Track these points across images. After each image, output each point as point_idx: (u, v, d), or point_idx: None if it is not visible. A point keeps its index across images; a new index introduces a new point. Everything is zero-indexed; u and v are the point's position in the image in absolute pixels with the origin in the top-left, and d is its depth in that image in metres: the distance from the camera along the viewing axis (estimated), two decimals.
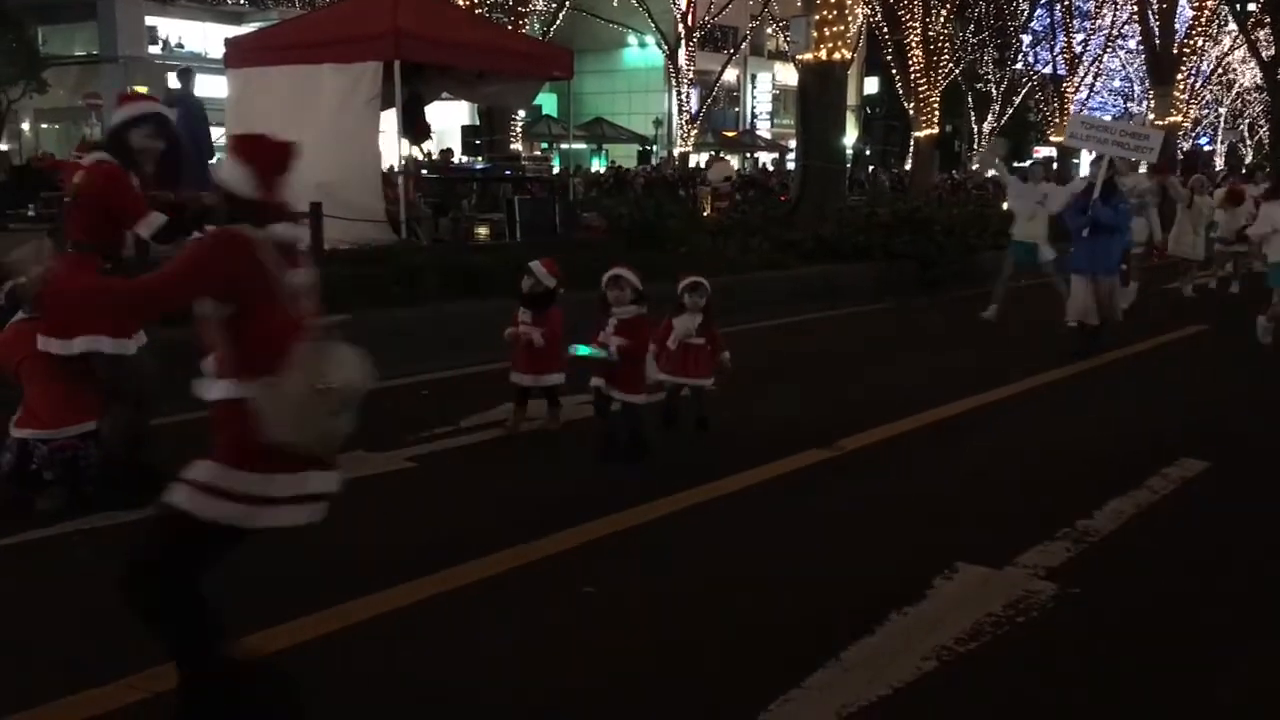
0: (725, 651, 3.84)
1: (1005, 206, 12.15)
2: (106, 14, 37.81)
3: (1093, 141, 10.16)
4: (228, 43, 14.86)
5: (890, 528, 5.22)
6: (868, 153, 52.78)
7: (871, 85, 54.88)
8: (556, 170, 20.70)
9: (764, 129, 52.91)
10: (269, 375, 2.78)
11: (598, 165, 40.59)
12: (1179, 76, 33.43)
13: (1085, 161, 44.39)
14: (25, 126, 41.00)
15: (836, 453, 6.47)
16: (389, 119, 13.25)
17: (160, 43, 39.55)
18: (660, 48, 41.40)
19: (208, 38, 37.55)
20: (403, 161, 13.44)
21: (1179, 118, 34.23)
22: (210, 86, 23.95)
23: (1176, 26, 32.75)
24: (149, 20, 38.76)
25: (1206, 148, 59.35)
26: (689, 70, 41.14)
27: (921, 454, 6.66)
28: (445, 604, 4.12)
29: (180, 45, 39.87)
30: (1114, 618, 4.21)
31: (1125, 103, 57.19)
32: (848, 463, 6.35)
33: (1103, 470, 6.22)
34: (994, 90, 46.56)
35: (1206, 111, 56.86)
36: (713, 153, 40.84)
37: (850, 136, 20.66)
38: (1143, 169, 14.84)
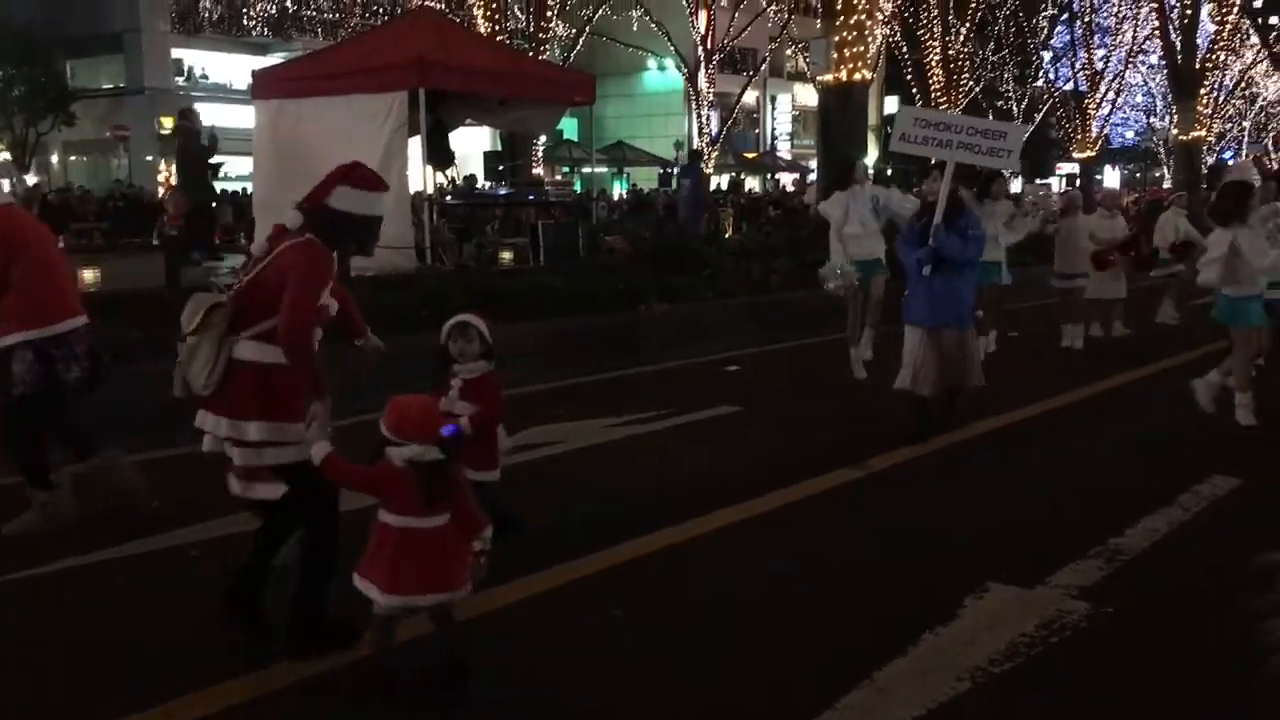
0: (758, 672, 3.84)
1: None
2: (133, 47, 38.37)
3: (931, 144, 7.65)
4: (255, 74, 15.08)
5: (919, 548, 5.20)
6: (889, 173, 52.71)
7: (892, 105, 54.78)
8: (580, 191, 20.82)
9: (784, 150, 52.98)
10: None
11: (619, 189, 40.74)
12: (1202, 91, 33.28)
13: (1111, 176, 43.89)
14: (54, 159, 41.59)
15: (864, 473, 6.47)
16: (413, 146, 13.39)
17: (185, 74, 40.07)
18: (680, 70, 41.58)
19: (232, 69, 38.05)
20: (425, 189, 13.57)
21: (1203, 132, 34.04)
22: (234, 117, 24.34)
23: (1198, 41, 32.67)
24: (175, 53, 39.30)
25: (1230, 162, 58.92)
26: (709, 93, 41.29)
27: (949, 474, 6.64)
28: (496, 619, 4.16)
29: (204, 76, 40.38)
30: (1148, 637, 4.19)
31: (1148, 118, 56.96)
32: (876, 483, 6.34)
33: (1134, 488, 6.19)
34: (1015, 107, 46.47)
35: (1230, 125, 56.49)
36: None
37: (871, 156, 20.69)
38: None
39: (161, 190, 31.88)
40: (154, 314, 7.93)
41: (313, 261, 3.76)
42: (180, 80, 39.66)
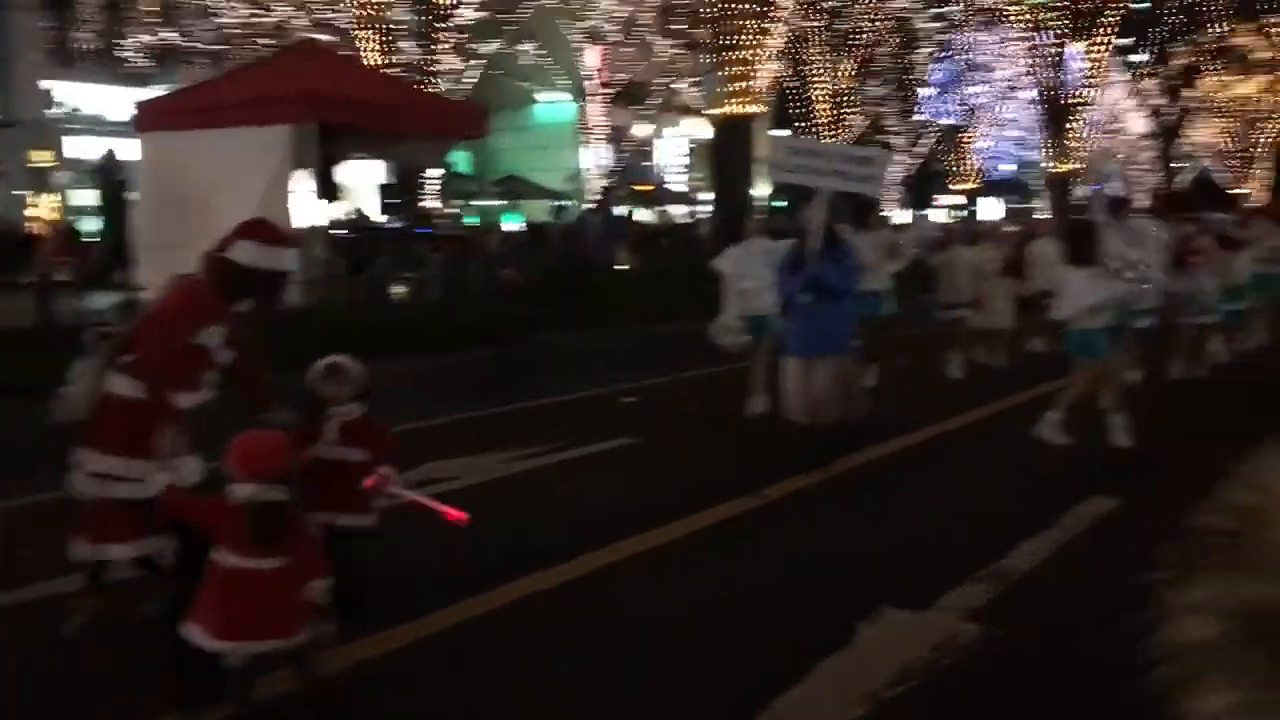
0: (657, 703, 3.84)
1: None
2: (3, 78, 37.00)
3: (804, 172, 7.68)
4: (139, 106, 14.70)
5: (812, 575, 5.27)
6: (778, 205, 53.53)
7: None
8: (474, 224, 20.79)
9: (677, 183, 53.52)
10: None
11: (514, 223, 40.69)
12: (1072, 125, 34.80)
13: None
14: None
15: (761, 501, 6.53)
16: (302, 179, 13.18)
17: (58, 106, 38.71)
18: (576, 101, 41.80)
19: (109, 101, 36.93)
20: (315, 222, 13.37)
21: (1074, 165, 35.56)
22: (113, 150, 23.71)
23: (1067, 78, 34.18)
24: (46, 84, 37.98)
25: (1092, 192, 61.19)
26: (602, 126, 41.57)
27: (840, 502, 6.76)
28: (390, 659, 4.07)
29: (77, 109, 39.07)
30: (1035, 658, 4.31)
31: (1023, 150, 59.02)
32: (773, 511, 6.41)
33: (1017, 510, 6.37)
34: (893, 141, 47.74)
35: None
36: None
37: (764, 189, 21.08)
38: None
39: (35, 227, 30.70)
40: (28, 352, 7.64)
41: (185, 300, 3.80)
42: (53, 112, 38.33)
